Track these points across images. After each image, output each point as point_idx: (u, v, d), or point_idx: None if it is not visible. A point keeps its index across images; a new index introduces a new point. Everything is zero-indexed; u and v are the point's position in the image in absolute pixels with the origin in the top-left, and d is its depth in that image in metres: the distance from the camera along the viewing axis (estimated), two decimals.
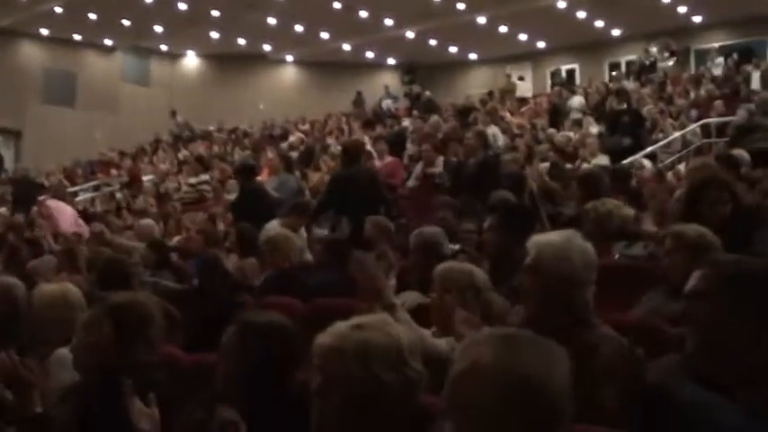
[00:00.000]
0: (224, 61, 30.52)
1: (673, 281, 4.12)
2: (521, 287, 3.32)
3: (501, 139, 14.21)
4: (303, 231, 8.91)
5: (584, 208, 5.89)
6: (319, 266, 6.94)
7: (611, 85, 21.31)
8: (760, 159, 9.06)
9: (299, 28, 26.78)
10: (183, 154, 22.23)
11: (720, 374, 2.50)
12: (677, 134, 14.56)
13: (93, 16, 25.29)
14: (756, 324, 2.54)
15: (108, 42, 28.93)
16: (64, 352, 3.78)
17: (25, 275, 6.23)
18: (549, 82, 28.44)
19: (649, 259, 5.27)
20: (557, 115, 18.16)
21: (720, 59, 21.64)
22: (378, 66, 31.57)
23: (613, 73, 24.33)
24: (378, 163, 11.49)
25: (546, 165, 12.13)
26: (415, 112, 21.07)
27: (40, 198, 12.92)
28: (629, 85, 20.06)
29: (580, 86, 22.60)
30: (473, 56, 30.27)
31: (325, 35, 27.59)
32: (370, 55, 30.42)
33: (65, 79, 28.32)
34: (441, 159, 11.71)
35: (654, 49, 22.06)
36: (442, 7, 23.85)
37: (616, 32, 26.68)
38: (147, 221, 10.34)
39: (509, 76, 26.32)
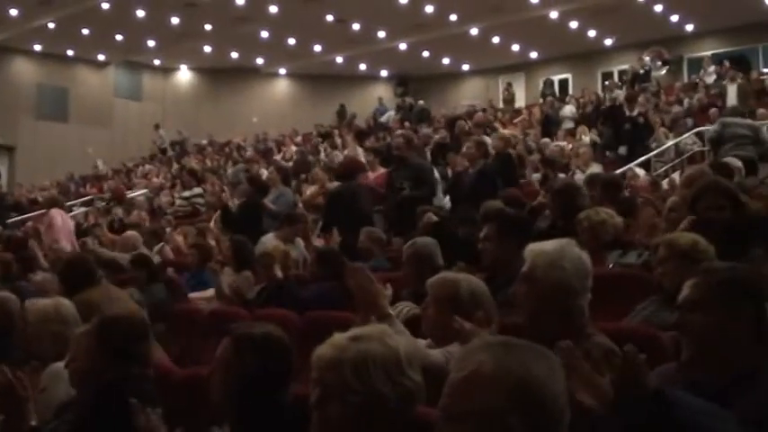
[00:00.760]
0: (217, 75, 30.58)
1: (666, 289, 4.12)
2: (516, 296, 3.31)
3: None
4: (300, 242, 8.94)
5: (578, 218, 5.87)
6: (313, 278, 6.93)
7: (602, 93, 21.43)
8: None
9: (291, 41, 26.82)
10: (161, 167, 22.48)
11: (715, 382, 2.50)
12: (670, 143, 14.60)
13: (85, 31, 25.31)
14: (749, 332, 2.55)
15: (101, 57, 28.97)
16: (58, 366, 3.77)
17: (18, 290, 6.20)
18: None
19: (644, 268, 5.26)
20: (549, 125, 18.22)
21: (713, 68, 21.69)
22: (370, 78, 31.62)
23: (606, 82, 24.36)
24: (370, 175, 11.46)
25: (538, 176, 12.14)
26: (407, 124, 21.14)
27: (42, 210, 12.88)
28: (622, 93, 20.13)
29: (572, 96, 22.68)
30: (466, 67, 30.36)
31: (317, 48, 27.61)
32: (362, 67, 30.45)
33: (58, 94, 28.39)
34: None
35: (647, 58, 22.11)
36: (435, 19, 23.87)
37: (608, 42, 26.79)
38: (131, 233, 10.29)
39: (510, 85, 26.50)
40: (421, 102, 26.82)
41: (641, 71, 22.68)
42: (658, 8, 23.29)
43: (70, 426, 3.33)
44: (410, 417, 2.35)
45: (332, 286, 6.14)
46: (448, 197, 10.34)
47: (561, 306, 3.14)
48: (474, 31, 25.17)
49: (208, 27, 24.97)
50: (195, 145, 26.97)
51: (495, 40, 26.48)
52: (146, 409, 3.00)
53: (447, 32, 24.92)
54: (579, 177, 10.20)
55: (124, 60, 29.32)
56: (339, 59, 28.80)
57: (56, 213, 11.66)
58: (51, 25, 24.29)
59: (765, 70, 20.76)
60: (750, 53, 23.92)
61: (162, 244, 10.57)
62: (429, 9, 23.31)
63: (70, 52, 28.09)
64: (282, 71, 31.39)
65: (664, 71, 22.44)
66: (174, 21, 24.37)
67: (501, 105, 25.58)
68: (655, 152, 14.08)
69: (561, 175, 11.37)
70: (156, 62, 30.40)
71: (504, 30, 25.22)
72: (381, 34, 25.99)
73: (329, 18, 24.35)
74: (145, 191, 19.38)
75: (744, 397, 2.39)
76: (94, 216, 16.45)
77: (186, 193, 14.93)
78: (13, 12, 23.18)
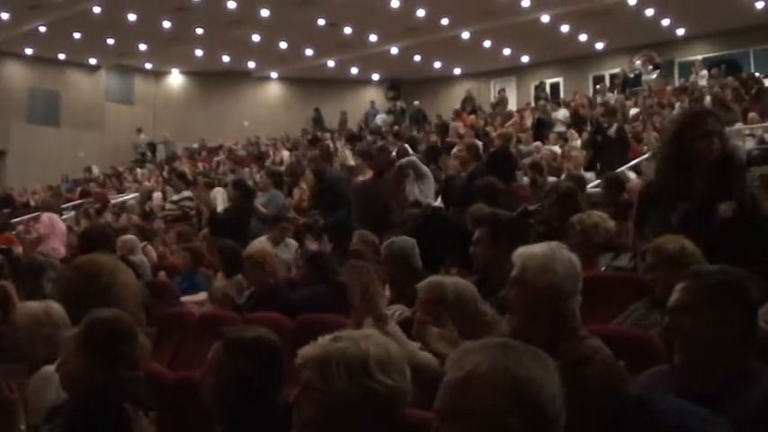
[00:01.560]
0: (208, 79, 30.53)
1: (658, 293, 4.13)
2: (507, 299, 3.31)
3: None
4: (292, 244, 8.95)
5: (570, 221, 5.87)
6: (304, 281, 6.92)
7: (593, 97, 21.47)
8: None
9: (282, 45, 26.78)
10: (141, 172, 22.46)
11: (707, 385, 2.50)
12: None
13: (77, 35, 25.24)
14: (739, 334, 2.56)
15: (92, 61, 28.93)
16: (49, 369, 3.75)
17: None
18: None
19: (636, 271, 5.27)
20: (542, 129, 18.23)
21: (705, 72, 21.76)
22: (362, 82, 31.60)
23: (597, 86, 24.40)
24: (360, 178, 11.46)
25: (526, 179, 12.14)
26: (395, 127, 21.19)
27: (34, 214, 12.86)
28: (613, 97, 20.19)
29: (566, 101, 22.71)
30: (457, 70, 30.35)
31: (309, 51, 27.59)
32: (354, 71, 30.42)
33: (49, 98, 28.31)
34: None
35: (638, 62, 22.17)
36: (426, 23, 23.86)
37: (600, 46, 26.79)
38: (128, 237, 10.29)
39: (503, 91, 26.60)
40: (416, 102, 26.85)
41: (631, 75, 22.75)
42: (649, 12, 23.32)
43: (62, 430, 3.31)
44: (390, 419, 2.35)
45: (323, 289, 6.14)
46: (440, 199, 10.36)
47: (553, 309, 3.13)
48: (465, 35, 25.17)
49: (199, 31, 24.91)
50: (186, 149, 26.98)
51: (487, 43, 26.52)
52: (138, 414, 2.99)
53: (438, 36, 24.92)
54: (554, 182, 10.23)
55: (115, 64, 29.26)
56: (331, 63, 28.76)
57: (45, 218, 11.67)
58: (43, 29, 24.22)
59: (757, 74, 20.77)
60: (741, 57, 24.01)
61: (145, 243, 10.51)
62: (420, 13, 23.30)
63: (62, 56, 28.03)
64: (274, 75, 31.37)
65: (654, 75, 22.50)
66: (166, 24, 24.31)
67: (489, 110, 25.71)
68: (645, 156, 14.07)
69: (551, 179, 11.36)
70: (148, 66, 30.34)
71: (496, 33, 25.24)
72: (373, 38, 25.96)
73: (321, 22, 24.31)
74: (136, 194, 19.34)
75: (736, 400, 2.39)
76: (86, 220, 16.40)
77: (175, 197, 14.89)
78: (5, 15, 23.13)
